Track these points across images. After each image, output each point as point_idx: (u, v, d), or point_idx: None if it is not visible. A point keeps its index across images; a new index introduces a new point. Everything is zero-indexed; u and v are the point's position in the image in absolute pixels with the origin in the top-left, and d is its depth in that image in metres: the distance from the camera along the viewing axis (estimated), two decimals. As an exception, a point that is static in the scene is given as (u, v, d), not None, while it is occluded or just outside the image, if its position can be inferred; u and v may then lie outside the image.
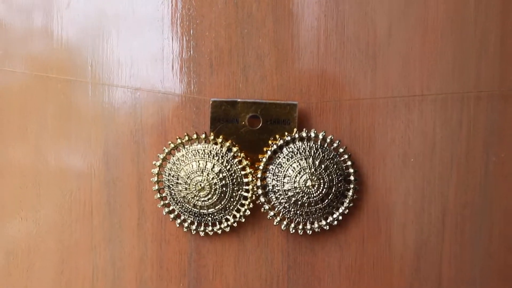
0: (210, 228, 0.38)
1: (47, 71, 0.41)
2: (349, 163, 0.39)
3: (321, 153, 0.38)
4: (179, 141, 0.38)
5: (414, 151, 0.40)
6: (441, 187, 0.40)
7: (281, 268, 0.40)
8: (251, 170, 0.37)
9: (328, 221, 0.39)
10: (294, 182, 0.37)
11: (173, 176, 0.38)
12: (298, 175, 0.37)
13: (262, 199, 0.38)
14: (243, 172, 0.37)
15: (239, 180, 0.38)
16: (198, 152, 0.38)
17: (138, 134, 0.40)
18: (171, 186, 0.38)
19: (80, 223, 0.41)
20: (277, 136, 0.38)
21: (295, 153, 0.38)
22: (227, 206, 0.38)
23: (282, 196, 0.37)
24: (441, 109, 0.40)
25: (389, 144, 0.40)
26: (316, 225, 0.38)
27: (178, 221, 0.39)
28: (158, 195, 0.39)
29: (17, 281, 0.42)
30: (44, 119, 0.41)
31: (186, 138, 0.38)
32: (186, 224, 0.39)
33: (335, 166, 0.38)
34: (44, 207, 0.42)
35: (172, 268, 0.40)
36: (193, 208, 0.38)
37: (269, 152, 0.37)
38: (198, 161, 0.37)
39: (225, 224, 0.38)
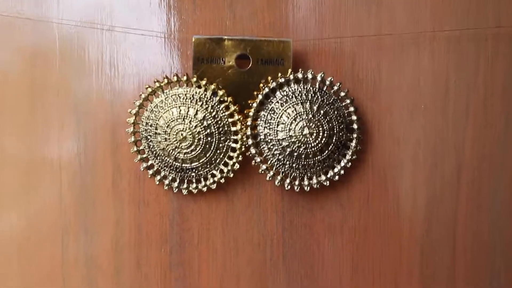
0: (194, 185, 0.36)
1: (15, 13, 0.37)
2: (351, 109, 0.35)
3: (319, 97, 0.35)
4: (157, 84, 0.35)
5: (424, 97, 0.37)
6: (455, 139, 0.37)
7: (275, 230, 0.37)
8: (239, 117, 0.35)
9: (328, 176, 0.36)
10: (289, 130, 0.34)
11: (151, 126, 0.35)
12: (294, 122, 0.34)
13: (252, 150, 0.35)
14: (230, 120, 0.35)
15: (226, 128, 0.35)
16: (179, 97, 0.35)
17: (112, 79, 0.37)
18: (149, 137, 0.35)
19: (47, 183, 0.37)
20: (269, 78, 0.35)
21: (290, 97, 0.35)
22: (212, 159, 0.35)
23: (276, 147, 0.35)
24: (455, 49, 0.36)
25: (397, 89, 0.37)
26: (314, 180, 0.35)
27: (158, 177, 0.36)
28: (135, 148, 0.36)
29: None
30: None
31: (165, 81, 0.35)
32: (166, 181, 0.36)
33: (335, 112, 0.35)
34: (7, 164, 0.37)
35: (152, 232, 0.37)
36: (174, 162, 0.35)
37: (260, 96, 0.35)
38: (179, 107, 0.34)
39: (211, 181, 0.36)
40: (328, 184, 0.36)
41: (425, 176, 0.37)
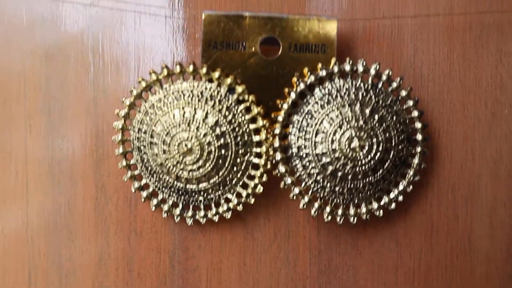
0: (202, 213, 0.32)
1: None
2: (415, 113, 0.31)
3: (373, 96, 0.30)
4: (153, 77, 0.30)
5: (509, 97, 0.32)
6: None
7: (308, 273, 0.33)
8: (265, 122, 0.30)
9: (382, 203, 0.31)
10: (333, 141, 0.30)
11: (145, 133, 0.30)
12: (339, 130, 0.30)
13: (281, 168, 0.30)
14: (252, 126, 0.31)
15: (246, 138, 0.31)
16: (183, 94, 0.30)
17: (96, 69, 0.32)
18: (142, 148, 0.31)
19: (10, 203, 0.33)
20: (306, 71, 0.30)
21: (334, 96, 0.30)
22: (227, 178, 0.31)
23: (313, 164, 0.30)
24: None
25: (473, 86, 0.32)
26: (364, 209, 0.31)
27: (154, 202, 0.32)
28: (124, 163, 0.31)
29: None
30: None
31: (165, 72, 0.30)
32: (165, 207, 0.32)
33: (394, 117, 0.30)
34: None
35: (146, 272, 0.33)
36: (175, 182, 0.31)
37: (293, 95, 0.30)
38: (183, 108, 0.30)
39: (225, 207, 0.31)
40: (381, 214, 0.31)
41: (509, 200, 0.32)
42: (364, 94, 0.30)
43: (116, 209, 0.33)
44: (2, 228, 0.33)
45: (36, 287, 0.33)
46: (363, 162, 0.30)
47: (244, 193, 0.31)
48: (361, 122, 0.29)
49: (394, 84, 0.30)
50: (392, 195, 0.31)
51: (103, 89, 0.32)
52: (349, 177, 0.30)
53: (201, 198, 0.31)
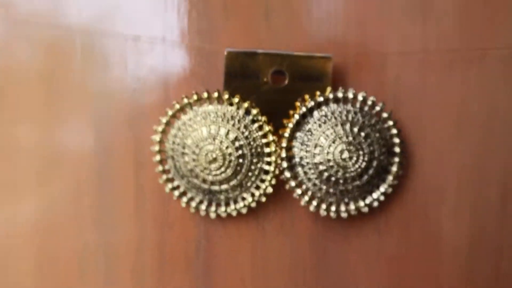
0: (223, 208, 0.34)
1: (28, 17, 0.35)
2: (394, 131, 0.33)
3: (360, 118, 0.33)
4: (185, 101, 0.33)
5: (472, 117, 0.35)
6: (502, 161, 0.35)
7: (308, 258, 0.36)
8: (274, 138, 0.33)
9: (367, 202, 0.34)
10: (328, 153, 0.32)
11: (178, 145, 0.33)
12: (333, 144, 0.32)
13: (287, 173, 0.33)
14: (264, 140, 0.33)
15: (259, 150, 0.33)
16: (209, 115, 0.33)
17: (136, 93, 0.35)
18: (175, 156, 0.34)
19: (65, 203, 0.36)
20: (307, 97, 0.33)
21: (329, 117, 0.33)
22: (244, 182, 0.34)
23: (312, 171, 0.33)
24: (505, 67, 0.34)
25: (442, 109, 0.35)
26: (352, 206, 0.34)
27: (184, 199, 0.34)
28: (160, 168, 0.34)
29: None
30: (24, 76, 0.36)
31: (195, 97, 0.33)
32: (193, 204, 0.34)
33: (377, 134, 0.33)
34: (22, 183, 0.36)
35: (176, 257, 0.36)
36: (202, 184, 0.33)
37: (296, 116, 0.33)
38: (209, 126, 0.33)
39: (242, 204, 0.34)
40: (366, 211, 0.34)
41: (470, 202, 0.35)
42: (353, 115, 0.33)
43: (152, 206, 0.35)
44: (60, 226, 0.36)
45: (86, 271, 0.36)
46: (352, 169, 0.32)
47: (257, 193, 0.33)
48: (350, 138, 0.32)
49: (377, 108, 0.33)
50: (375, 196, 0.33)
51: (142, 110, 0.35)
52: (341, 181, 0.33)
53: (222, 197, 0.34)
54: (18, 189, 0.36)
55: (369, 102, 0.33)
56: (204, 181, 0.33)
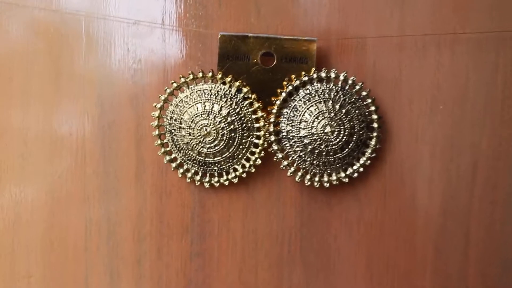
0: (216, 179, 0.36)
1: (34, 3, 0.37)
2: (372, 108, 0.35)
3: (341, 96, 0.35)
4: (182, 80, 0.35)
5: (444, 96, 0.37)
6: (472, 137, 0.37)
7: (293, 224, 0.38)
8: (263, 114, 0.35)
9: (347, 173, 0.36)
10: (311, 128, 0.34)
11: (175, 120, 0.35)
12: (316, 120, 0.34)
13: (274, 146, 0.35)
14: (254, 116, 0.35)
15: (249, 125, 0.35)
16: (204, 93, 0.35)
17: (136, 73, 0.37)
18: (173, 131, 0.35)
19: (72, 173, 0.38)
20: (293, 76, 0.35)
21: (313, 95, 0.35)
22: (235, 154, 0.35)
23: (297, 144, 0.35)
24: (475, 50, 0.36)
25: (416, 89, 0.37)
26: (334, 177, 0.36)
27: (181, 170, 0.36)
28: (159, 142, 0.36)
29: (2, 236, 0.39)
30: (31, 57, 0.37)
31: (191, 76, 0.35)
32: (189, 174, 0.36)
33: (357, 111, 0.35)
34: (31, 154, 0.38)
35: (173, 223, 0.38)
36: (197, 156, 0.35)
37: (283, 94, 0.34)
38: (204, 102, 0.35)
39: (233, 175, 0.36)
40: (347, 181, 0.36)
41: (441, 173, 0.37)
42: (335, 94, 0.34)
43: (151, 176, 0.37)
44: (66, 193, 0.38)
45: (91, 235, 0.38)
46: (334, 143, 0.34)
47: (247, 165, 0.35)
48: (332, 114, 0.34)
49: (357, 87, 0.35)
50: (355, 167, 0.35)
51: (142, 88, 0.37)
52: (323, 153, 0.34)
53: (215, 168, 0.35)
54: (29, 163, 0.38)
55: (350, 82, 0.35)
56: (199, 153, 0.35)
